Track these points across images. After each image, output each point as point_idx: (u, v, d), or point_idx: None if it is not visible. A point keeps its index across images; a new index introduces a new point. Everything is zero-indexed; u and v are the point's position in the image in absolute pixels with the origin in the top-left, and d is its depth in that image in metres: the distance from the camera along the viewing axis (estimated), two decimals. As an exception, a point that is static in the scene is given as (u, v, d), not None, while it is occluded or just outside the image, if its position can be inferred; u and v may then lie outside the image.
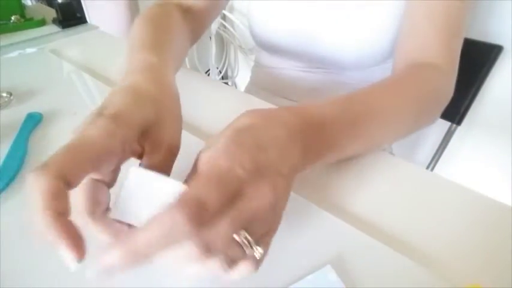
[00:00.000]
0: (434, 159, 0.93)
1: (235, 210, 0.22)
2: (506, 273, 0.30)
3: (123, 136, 0.25)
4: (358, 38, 0.58)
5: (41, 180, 0.20)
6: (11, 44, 0.74)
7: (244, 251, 0.23)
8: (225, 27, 1.63)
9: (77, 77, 0.62)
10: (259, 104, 0.53)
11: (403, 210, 0.36)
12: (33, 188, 0.21)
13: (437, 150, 0.92)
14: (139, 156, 0.28)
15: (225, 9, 1.58)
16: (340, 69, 0.65)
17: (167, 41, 0.43)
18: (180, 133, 0.31)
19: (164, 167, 0.28)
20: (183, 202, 0.20)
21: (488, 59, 0.75)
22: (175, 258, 0.21)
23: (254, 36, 0.69)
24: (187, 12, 0.55)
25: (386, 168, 0.41)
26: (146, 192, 0.24)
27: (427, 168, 0.94)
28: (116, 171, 0.27)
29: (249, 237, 0.23)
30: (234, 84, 1.86)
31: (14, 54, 0.69)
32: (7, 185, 0.38)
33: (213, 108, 0.51)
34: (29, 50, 0.71)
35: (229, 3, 1.57)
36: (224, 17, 1.60)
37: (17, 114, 0.49)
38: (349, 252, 0.31)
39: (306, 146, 0.28)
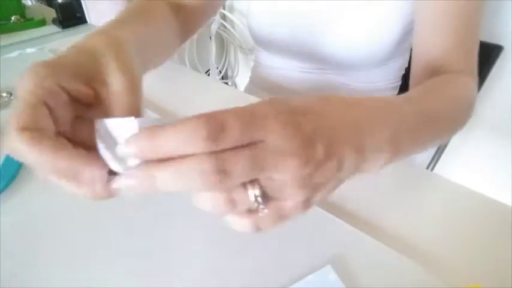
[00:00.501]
0: (434, 159, 0.93)
1: (260, 151, 0.20)
2: (506, 273, 0.30)
3: (53, 77, 0.25)
4: (358, 38, 0.58)
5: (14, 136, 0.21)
6: (11, 44, 0.74)
7: (250, 202, 0.22)
8: (225, 27, 1.63)
9: (77, 77, 0.61)
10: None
11: (403, 210, 0.36)
12: (14, 144, 0.21)
13: (437, 150, 0.92)
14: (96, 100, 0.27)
15: (224, 8, 1.58)
16: (340, 69, 0.65)
17: (137, 23, 0.41)
18: (134, 87, 0.29)
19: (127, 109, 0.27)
20: (203, 116, 0.19)
21: (489, 59, 0.75)
22: (188, 174, 0.20)
23: (253, 35, 0.69)
24: (179, 9, 0.54)
25: (386, 168, 0.41)
26: (109, 138, 0.23)
27: (427, 168, 0.94)
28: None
29: (259, 192, 0.22)
30: (234, 84, 1.86)
31: (14, 54, 0.69)
32: (7, 185, 0.38)
33: (213, 108, 0.51)
34: (29, 50, 0.71)
35: (229, 3, 1.57)
36: (224, 17, 1.60)
37: (17, 114, 0.49)
38: (349, 252, 0.31)
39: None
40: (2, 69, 0.63)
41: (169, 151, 0.19)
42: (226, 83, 1.77)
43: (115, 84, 0.27)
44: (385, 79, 0.65)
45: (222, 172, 0.20)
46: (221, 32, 1.65)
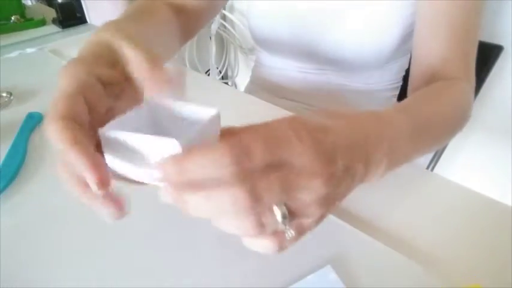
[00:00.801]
0: (434, 159, 0.93)
1: (287, 173, 0.21)
2: (506, 273, 0.30)
3: (87, 68, 0.26)
4: (358, 39, 0.58)
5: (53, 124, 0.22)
6: (11, 44, 0.74)
7: (277, 224, 0.22)
8: (225, 27, 1.63)
9: (77, 77, 0.61)
10: (259, 104, 0.53)
11: (403, 210, 0.36)
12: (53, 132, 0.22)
13: (437, 150, 0.92)
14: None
15: (224, 8, 1.58)
16: (341, 70, 0.65)
17: (143, 23, 0.41)
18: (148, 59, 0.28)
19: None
20: (229, 142, 0.19)
21: (489, 59, 0.75)
22: (220, 200, 0.20)
23: (254, 36, 0.69)
24: (180, 11, 0.54)
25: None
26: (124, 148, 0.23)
27: (427, 168, 0.94)
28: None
29: (287, 212, 0.21)
30: (234, 84, 1.86)
31: (14, 54, 0.69)
32: (7, 185, 0.38)
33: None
34: (29, 50, 0.71)
35: (229, 3, 1.57)
36: (224, 17, 1.60)
37: (17, 114, 0.49)
38: (349, 252, 0.31)
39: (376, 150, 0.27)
40: (2, 69, 0.63)
41: (197, 176, 0.20)
42: (226, 83, 1.77)
43: (133, 60, 0.27)
44: (386, 80, 0.65)
45: (254, 197, 0.20)
46: (221, 32, 1.65)
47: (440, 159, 0.93)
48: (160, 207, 0.35)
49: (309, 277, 0.29)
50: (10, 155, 0.41)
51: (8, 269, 0.30)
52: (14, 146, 0.43)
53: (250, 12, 0.68)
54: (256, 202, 0.20)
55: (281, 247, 0.23)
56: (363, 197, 0.37)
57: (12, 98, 0.53)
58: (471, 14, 0.47)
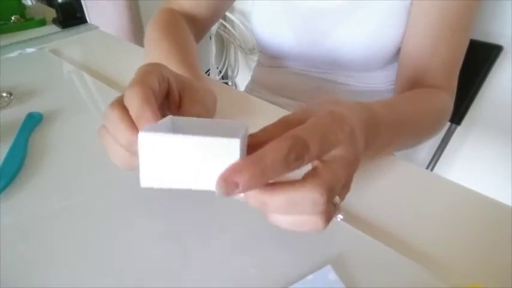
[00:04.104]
0: (434, 159, 0.93)
1: (350, 166, 0.24)
2: (506, 273, 0.30)
3: (161, 68, 0.29)
4: (359, 41, 0.58)
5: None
6: (11, 44, 0.74)
7: (335, 213, 0.25)
8: (225, 27, 1.63)
9: (77, 77, 0.62)
10: (259, 103, 0.53)
11: (403, 210, 0.36)
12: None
13: (437, 150, 0.92)
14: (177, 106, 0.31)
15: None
16: (342, 70, 0.65)
17: (188, 53, 0.48)
18: (212, 106, 0.35)
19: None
20: (291, 136, 0.21)
21: (488, 59, 0.75)
22: (300, 202, 0.22)
23: (256, 37, 0.69)
24: (191, 20, 0.59)
25: (386, 168, 0.41)
26: (169, 153, 0.21)
27: (427, 168, 0.94)
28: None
29: (339, 200, 0.25)
30: (234, 84, 1.86)
31: (14, 54, 0.69)
32: (7, 185, 0.38)
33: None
34: (29, 50, 0.71)
35: (229, 3, 1.57)
36: (224, 17, 1.60)
37: (17, 114, 0.49)
38: (349, 252, 0.31)
39: (367, 141, 0.30)
40: (2, 69, 0.63)
41: (268, 176, 0.20)
42: (226, 83, 1.77)
43: (193, 110, 0.30)
44: (387, 80, 0.65)
45: (330, 200, 0.22)
46: (221, 32, 1.65)
47: (440, 159, 0.93)
48: (160, 208, 0.36)
49: (309, 277, 0.29)
50: (10, 155, 0.41)
51: (8, 269, 0.30)
52: (14, 146, 0.43)
53: (253, 14, 0.68)
54: (330, 202, 0.23)
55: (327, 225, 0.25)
56: (363, 197, 0.37)
57: (12, 97, 0.53)
58: (460, 27, 0.50)
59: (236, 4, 1.56)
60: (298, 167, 0.21)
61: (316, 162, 0.23)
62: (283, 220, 0.23)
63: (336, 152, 0.23)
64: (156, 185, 0.22)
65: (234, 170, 0.20)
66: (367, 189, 0.38)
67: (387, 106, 0.37)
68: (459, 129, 0.86)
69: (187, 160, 0.21)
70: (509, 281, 0.29)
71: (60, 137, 0.46)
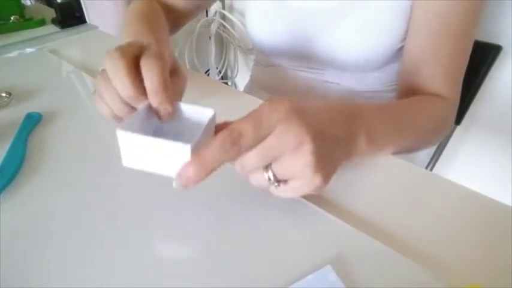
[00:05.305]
0: (434, 159, 0.93)
1: (264, 143, 0.27)
2: (506, 273, 0.30)
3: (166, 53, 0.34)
4: (356, 41, 0.57)
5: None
6: (10, 44, 0.74)
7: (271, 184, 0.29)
8: (224, 27, 1.63)
9: (76, 77, 0.61)
10: (259, 103, 0.53)
11: (403, 210, 0.36)
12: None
13: (437, 149, 0.92)
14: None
15: (223, 8, 1.58)
16: (339, 71, 0.65)
17: (160, 30, 0.54)
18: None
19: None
20: (228, 128, 0.26)
21: (488, 59, 0.75)
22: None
23: (252, 37, 0.69)
24: (169, 10, 0.63)
25: (385, 168, 0.41)
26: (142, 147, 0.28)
27: (427, 168, 0.94)
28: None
29: (272, 175, 0.28)
30: (234, 84, 1.86)
31: (14, 54, 0.69)
32: (7, 185, 0.38)
33: (212, 108, 0.51)
34: (28, 50, 0.71)
35: (229, 3, 1.57)
36: (224, 17, 1.60)
37: (16, 114, 0.49)
38: (349, 252, 0.31)
39: (368, 132, 0.34)
40: (1, 69, 0.63)
41: (213, 163, 0.26)
42: (226, 83, 1.77)
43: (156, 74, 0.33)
44: (384, 81, 0.65)
45: (243, 169, 0.29)
46: (221, 32, 1.65)
47: (440, 159, 0.93)
48: (159, 207, 0.36)
49: (309, 277, 0.29)
50: (9, 155, 0.41)
51: (8, 269, 0.30)
52: (13, 146, 0.43)
53: (248, 14, 0.68)
54: (244, 170, 0.28)
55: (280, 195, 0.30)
56: (363, 197, 0.37)
57: (11, 97, 0.53)
58: (461, 35, 0.50)
59: (236, 4, 1.56)
60: (238, 152, 0.26)
61: None
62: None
63: (277, 130, 0.26)
64: (134, 166, 0.29)
65: (184, 168, 0.26)
66: (367, 189, 0.38)
67: (375, 103, 0.40)
68: (459, 129, 0.86)
69: (154, 153, 0.27)
70: (509, 281, 0.29)
71: (59, 137, 0.46)
